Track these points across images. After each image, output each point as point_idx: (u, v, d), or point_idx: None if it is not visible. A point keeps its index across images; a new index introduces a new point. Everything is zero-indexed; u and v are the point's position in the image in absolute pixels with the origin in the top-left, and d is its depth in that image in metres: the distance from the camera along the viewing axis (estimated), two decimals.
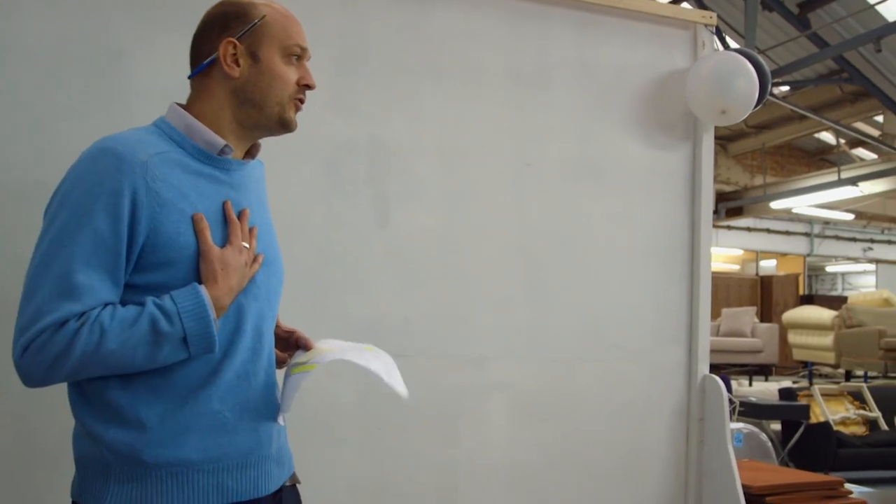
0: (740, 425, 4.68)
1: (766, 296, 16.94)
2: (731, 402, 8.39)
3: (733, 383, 11.31)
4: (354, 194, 2.71)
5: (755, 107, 3.10)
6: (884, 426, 9.34)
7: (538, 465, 2.91)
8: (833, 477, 3.33)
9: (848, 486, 3.35)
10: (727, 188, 14.54)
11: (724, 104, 2.98)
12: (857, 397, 10.17)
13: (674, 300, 3.11)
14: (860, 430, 9.82)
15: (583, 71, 3.04)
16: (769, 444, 4.64)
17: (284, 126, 1.68)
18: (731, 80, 2.97)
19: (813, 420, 9.33)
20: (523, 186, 2.93)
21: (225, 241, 1.58)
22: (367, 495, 2.66)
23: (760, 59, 3.14)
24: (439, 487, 2.79)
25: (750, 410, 8.95)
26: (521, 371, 2.90)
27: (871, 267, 21.47)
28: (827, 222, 18.87)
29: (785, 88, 12.08)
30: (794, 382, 11.10)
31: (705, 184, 3.12)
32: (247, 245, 1.60)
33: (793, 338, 14.36)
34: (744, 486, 2.97)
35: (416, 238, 2.78)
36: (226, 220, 1.60)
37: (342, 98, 2.70)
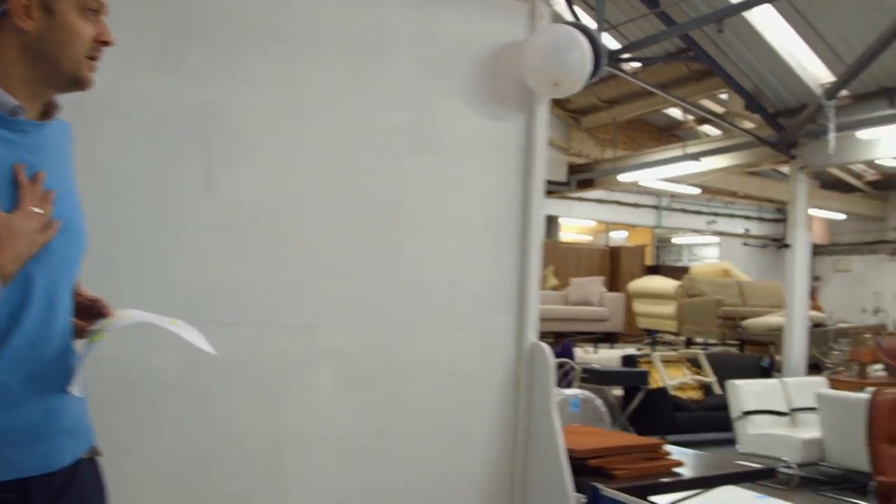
0: (576, 391, 4.80)
1: (615, 266, 17.47)
2: (572, 368, 8.64)
3: (580, 350, 11.63)
4: (182, 158, 2.63)
5: (589, 81, 3.16)
6: (718, 391, 9.81)
7: (367, 434, 2.92)
8: (654, 439, 3.47)
9: (670, 447, 3.49)
10: (579, 160, 14.87)
11: (557, 76, 3.03)
12: (695, 363, 10.64)
13: (505, 269, 3.15)
14: (696, 394, 10.27)
15: (420, 39, 3.03)
16: (604, 409, 4.78)
17: (78, 84, 1.61)
18: (565, 54, 3.01)
19: (652, 385, 9.71)
20: (357, 153, 2.91)
21: (14, 205, 1.50)
22: (189, 464, 2.61)
23: (595, 33, 3.20)
24: (265, 455, 2.76)
25: (592, 377, 9.23)
26: (351, 339, 2.89)
27: (715, 239, 22.35)
28: (674, 196, 19.52)
29: (636, 65, 12.39)
30: (639, 350, 11.50)
31: (538, 155, 3.17)
32: (39, 210, 1.53)
33: (637, 307, 14.89)
34: (568, 450, 3.05)
35: (245, 204, 2.73)
36: (15, 183, 1.52)
37: (172, 58, 2.61)
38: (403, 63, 3.00)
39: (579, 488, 2.95)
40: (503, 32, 3.17)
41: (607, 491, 2.25)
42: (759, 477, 3.63)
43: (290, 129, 2.80)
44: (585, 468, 3.17)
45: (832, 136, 8.50)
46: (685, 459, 3.54)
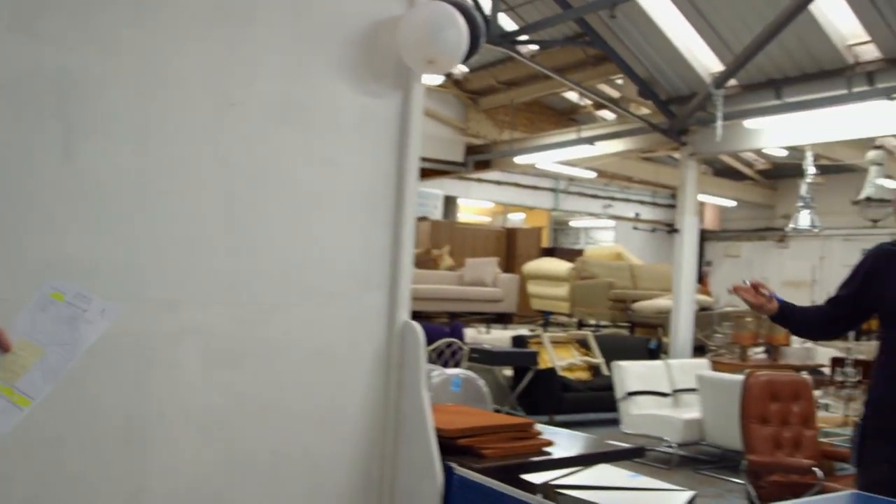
0: (457, 371, 4.81)
1: (511, 248, 17.61)
2: (460, 348, 8.68)
3: (472, 331, 11.71)
4: (39, 126, 2.52)
5: (465, 60, 3.14)
6: (606, 372, 9.99)
7: (233, 411, 2.85)
8: (524, 419, 3.49)
9: (544, 427, 3.52)
10: (477, 141, 14.92)
11: (432, 54, 3.00)
12: (584, 344, 10.83)
13: (377, 246, 3.12)
14: (585, 375, 10.45)
15: (295, 10, 2.96)
16: (485, 389, 4.80)
17: None
18: (440, 31, 2.98)
19: (542, 366, 9.85)
20: (226, 125, 2.83)
21: None
22: (41, 444, 2.52)
23: (474, 12, 3.17)
24: (125, 434, 2.68)
25: (482, 357, 9.32)
26: (217, 315, 2.82)
27: (611, 223, 22.75)
28: (572, 179, 19.78)
29: (534, 47, 12.47)
30: (531, 331, 11.63)
31: (414, 132, 3.15)
32: None
33: (531, 288, 15.05)
34: (438, 430, 3.05)
35: (106, 175, 2.63)
36: None
37: (29, 21, 2.50)
38: (278, 35, 2.93)
39: (448, 468, 2.95)
40: (381, 7, 3.12)
41: (460, 471, 2.25)
42: (629, 456, 3.69)
43: (156, 98, 2.70)
44: (455, 448, 3.18)
45: (719, 124, 8.71)
46: (557, 439, 3.58)
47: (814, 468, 5.18)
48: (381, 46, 3.11)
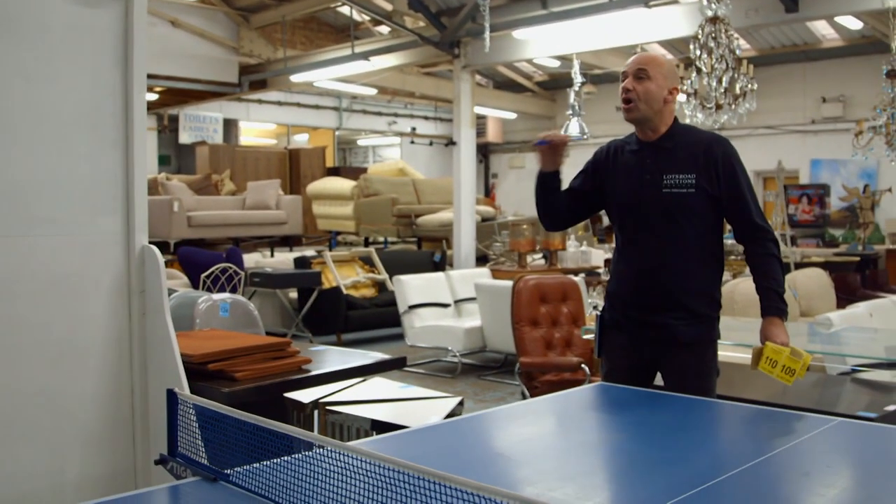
0: (225, 296, 4.67)
1: (294, 169, 17.33)
2: (236, 273, 8.49)
3: (256, 255, 11.50)
4: None
5: None
6: (391, 287, 10.06)
7: None
8: (280, 339, 3.43)
9: (303, 346, 3.47)
10: (251, 61, 14.43)
11: None
12: (368, 261, 10.84)
13: (107, 169, 2.93)
14: (370, 292, 10.49)
15: None
16: (255, 312, 4.69)
17: None
18: None
19: (326, 286, 9.80)
20: None
21: None
22: None
23: None
24: None
25: (264, 281, 9.17)
26: None
27: (397, 140, 22.77)
28: (354, 97, 19.58)
29: None
30: (317, 252, 11.53)
31: (138, 45, 2.94)
32: None
33: (316, 208, 14.91)
34: (185, 356, 2.94)
35: None
36: None
37: None
38: None
39: (198, 394, 2.85)
40: None
41: (183, 395, 2.15)
42: (390, 367, 3.70)
43: None
44: (206, 373, 3.09)
45: (487, 35, 8.76)
46: (316, 356, 3.55)
47: (583, 365, 5.38)
48: None
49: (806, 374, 2.98)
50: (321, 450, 1.86)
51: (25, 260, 2.78)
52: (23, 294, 2.78)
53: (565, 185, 3.28)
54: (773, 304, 3.02)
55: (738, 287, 7.44)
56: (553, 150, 3.17)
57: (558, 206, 3.25)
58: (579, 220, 3.36)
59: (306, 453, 1.91)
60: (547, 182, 3.21)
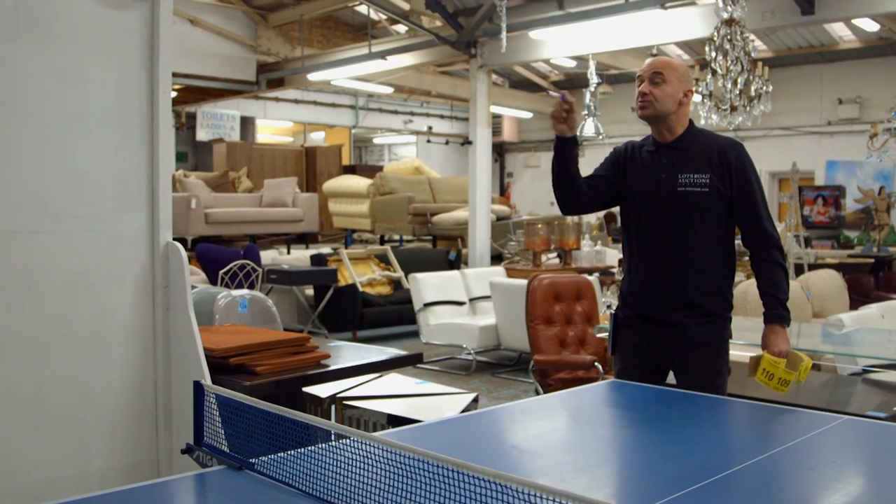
0: (245, 292, 4.75)
1: (311, 167, 17.41)
2: (254, 270, 8.57)
3: (273, 252, 11.59)
4: None
5: None
6: (406, 285, 10.13)
7: None
8: (300, 334, 3.50)
9: (324, 342, 3.54)
10: (269, 59, 14.53)
11: None
12: (383, 259, 10.91)
13: (133, 166, 3.01)
14: (385, 289, 10.55)
15: None
16: (273, 309, 4.76)
17: None
18: None
19: (342, 283, 9.87)
20: None
21: None
22: None
23: None
24: None
25: (280, 277, 9.25)
26: None
27: (413, 139, 22.83)
28: (371, 95, 19.65)
29: None
30: (333, 249, 11.61)
31: (164, 46, 3.02)
32: None
33: (333, 206, 15.00)
34: (207, 350, 3.01)
35: None
36: None
37: None
38: None
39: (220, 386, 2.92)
40: None
41: (209, 387, 2.23)
42: (406, 363, 3.76)
43: None
44: (228, 367, 3.16)
45: (504, 35, 8.80)
46: (334, 352, 3.61)
47: (596, 363, 5.43)
48: None
49: (818, 375, 3.02)
50: (343, 440, 1.93)
51: (53, 255, 2.87)
52: (51, 288, 2.86)
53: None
54: (775, 312, 3.07)
55: (752, 288, 7.46)
56: (570, 111, 3.14)
57: (578, 186, 3.20)
58: (594, 208, 3.36)
59: (329, 444, 1.98)
60: (565, 148, 3.17)
